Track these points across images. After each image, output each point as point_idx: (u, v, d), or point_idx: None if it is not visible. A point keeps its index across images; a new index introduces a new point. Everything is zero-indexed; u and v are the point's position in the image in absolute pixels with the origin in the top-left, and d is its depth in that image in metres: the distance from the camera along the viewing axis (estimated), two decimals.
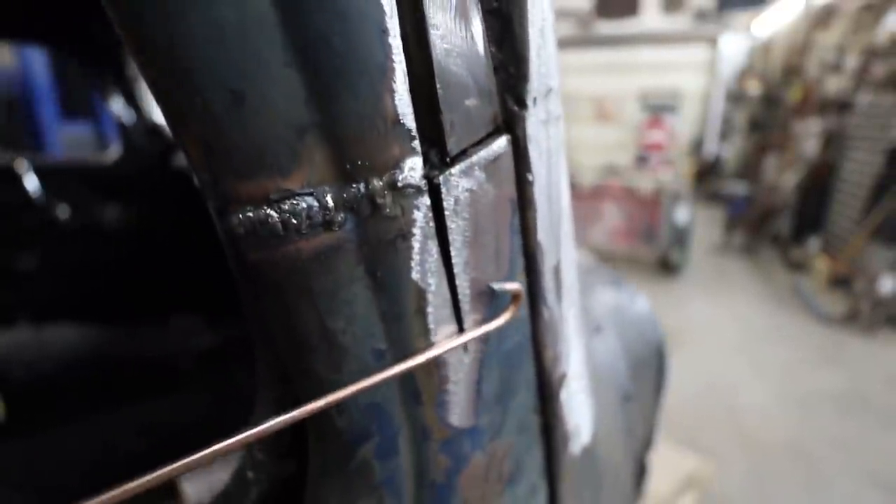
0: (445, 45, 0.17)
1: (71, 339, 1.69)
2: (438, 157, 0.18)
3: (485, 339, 0.22)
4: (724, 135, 9.08)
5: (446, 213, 0.19)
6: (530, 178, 0.23)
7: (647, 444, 0.90)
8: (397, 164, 0.17)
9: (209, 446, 0.28)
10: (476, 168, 0.20)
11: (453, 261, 0.20)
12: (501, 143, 0.21)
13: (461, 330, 0.21)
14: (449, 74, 0.17)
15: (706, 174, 9.09)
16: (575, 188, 7.52)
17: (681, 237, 5.29)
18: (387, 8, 0.15)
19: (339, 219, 0.17)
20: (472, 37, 0.19)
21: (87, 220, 1.87)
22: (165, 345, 1.82)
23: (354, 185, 0.17)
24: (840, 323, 3.92)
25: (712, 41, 9.14)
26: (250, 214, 0.16)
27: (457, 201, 0.19)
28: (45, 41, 1.75)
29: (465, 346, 0.21)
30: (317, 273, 0.17)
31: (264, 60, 0.14)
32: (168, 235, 1.87)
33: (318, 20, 0.14)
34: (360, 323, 0.19)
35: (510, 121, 0.22)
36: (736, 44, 8.69)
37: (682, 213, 5.30)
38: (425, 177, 0.18)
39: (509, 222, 0.22)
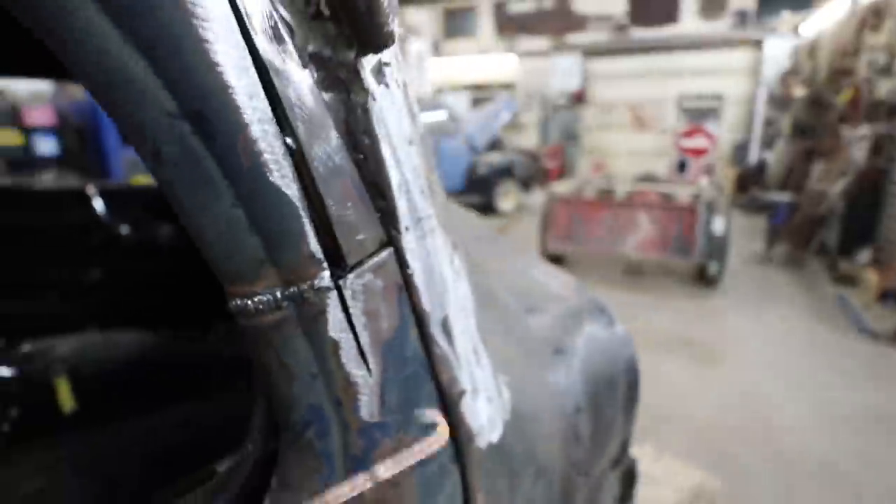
0: (339, 211, 0.31)
1: (132, 343, 1.92)
2: (339, 269, 0.32)
3: (384, 365, 0.36)
4: (768, 140, 8.74)
5: (347, 299, 0.33)
6: (410, 271, 0.36)
7: (618, 452, 1.00)
8: (315, 276, 0.31)
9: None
10: (366, 272, 0.33)
11: (354, 323, 0.33)
12: (384, 254, 0.34)
13: (367, 367, 0.35)
14: (343, 226, 0.31)
15: (748, 181, 8.78)
16: (608, 196, 7.45)
17: (718, 247, 5.14)
18: (300, 204, 0.29)
19: (284, 305, 0.31)
20: (356, 197, 0.32)
21: (145, 237, 2.11)
22: (209, 349, 2.03)
23: (292, 287, 0.31)
24: (889, 339, 3.74)
25: (756, 44, 8.81)
26: (237, 302, 0.30)
27: (353, 293, 0.32)
28: None
29: (368, 369, 0.35)
30: (274, 334, 0.31)
31: (241, 235, 0.28)
32: None
33: (267, 219, 0.28)
34: (301, 361, 0.32)
35: (392, 239, 0.35)
36: (779, 46, 8.39)
37: (719, 223, 5.15)
38: (333, 278, 0.32)
39: (397, 297, 0.36)
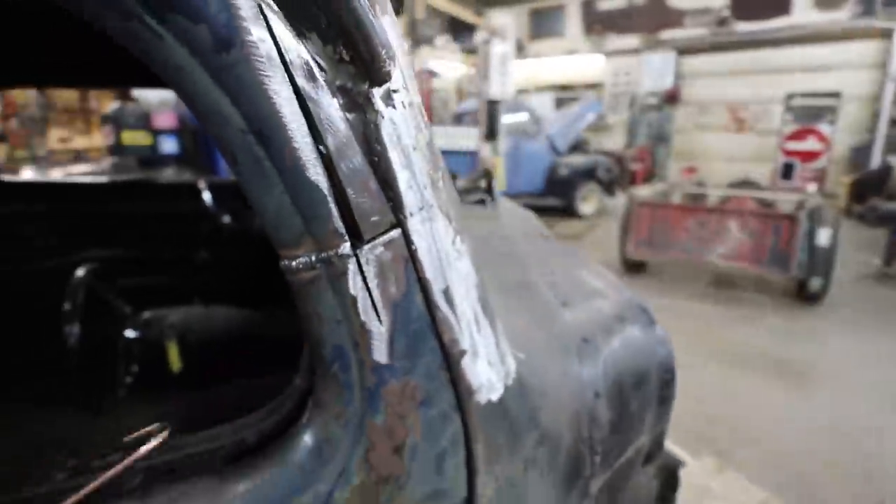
0: (357, 199, 0.42)
1: (228, 317, 2.21)
2: (358, 242, 0.43)
3: (393, 320, 0.46)
4: (894, 143, 7.72)
5: (362, 264, 0.43)
6: (414, 247, 0.46)
7: (651, 447, 1.03)
8: (339, 246, 0.42)
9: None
10: (378, 245, 0.44)
11: (368, 284, 0.44)
12: (393, 234, 0.45)
13: (379, 319, 0.45)
14: (360, 210, 0.42)
15: (867, 189, 7.81)
16: (697, 201, 7.01)
17: (822, 261, 4.64)
18: (328, 193, 0.41)
19: (317, 266, 0.42)
20: (371, 189, 0.43)
21: (242, 226, 2.41)
22: (291, 328, 2.28)
23: (323, 253, 0.42)
24: None
25: (884, 35, 7.79)
26: (285, 263, 0.42)
27: (367, 260, 0.43)
28: None
29: (379, 321, 0.46)
30: (310, 287, 0.43)
31: (288, 214, 0.40)
32: None
33: (306, 203, 0.40)
34: (328, 308, 0.44)
35: (400, 222, 0.46)
36: None
37: (825, 234, 4.65)
38: (352, 249, 0.43)
39: (404, 267, 0.46)
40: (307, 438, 0.47)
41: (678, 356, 1.06)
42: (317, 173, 0.40)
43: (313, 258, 0.42)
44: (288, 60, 0.38)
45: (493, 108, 7.35)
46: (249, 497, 0.46)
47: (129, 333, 2.10)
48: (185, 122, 5.16)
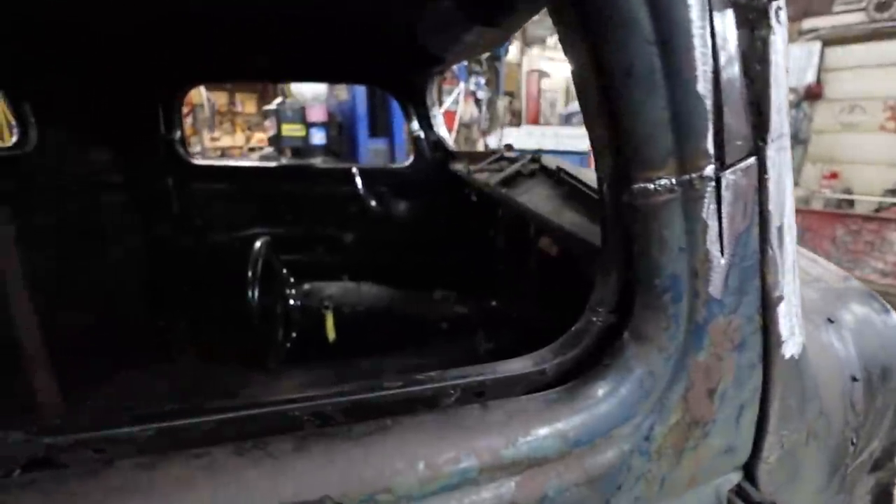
0: (730, 120, 0.41)
1: (374, 294, 2.35)
2: (720, 165, 0.43)
3: (733, 252, 0.45)
4: None
5: (722, 190, 0.43)
6: (767, 176, 0.44)
7: (881, 454, 0.91)
8: (703, 168, 0.42)
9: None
10: (738, 171, 0.43)
11: (721, 211, 0.44)
12: (750, 160, 0.44)
13: (722, 250, 0.44)
14: (730, 132, 0.41)
15: None
16: (847, 208, 6.23)
17: None
18: (710, 109, 0.41)
19: (676, 189, 0.42)
20: (741, 111, 0.42)
21: (387, 210, 2.54)
22: (429, 309, 2.36)
23: (685, 175, 0.42)
24: None
25: None
26: (641, 185, 0.43)
27: (726, 185, 0.43)
28: (377, 83, 2.50)
29: (721, 252, 0.45)
30: (662, 211, 0.43)
31: (662, 131, 0.41)
32: (441, 227, 2.40)
33: (685, 118, 0.41)
34: (675, 235, 0.44)
35: (757, 150, 0.44)
36: None
37: None
38: (715, 172, 0.43)
39: (753, 197, 0.45)
40: (631, 371, 0.47)
41: None
42: (706, 87, 0.40)
43: (674, 181, 0.42)
44: None
45: None
46: (572, 420, 0.47)
47: (292, 301, 2.31)
48: (332, 114, 5.63)
